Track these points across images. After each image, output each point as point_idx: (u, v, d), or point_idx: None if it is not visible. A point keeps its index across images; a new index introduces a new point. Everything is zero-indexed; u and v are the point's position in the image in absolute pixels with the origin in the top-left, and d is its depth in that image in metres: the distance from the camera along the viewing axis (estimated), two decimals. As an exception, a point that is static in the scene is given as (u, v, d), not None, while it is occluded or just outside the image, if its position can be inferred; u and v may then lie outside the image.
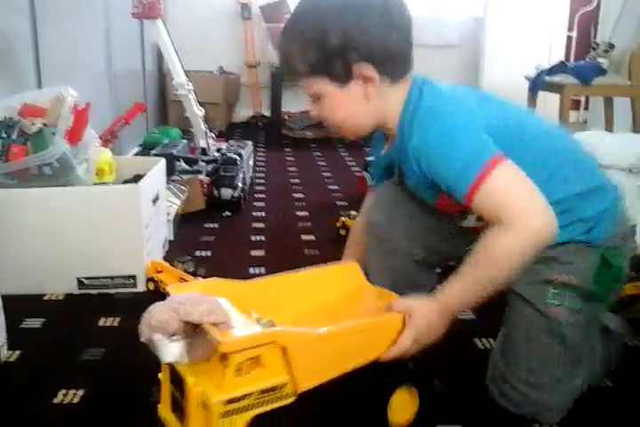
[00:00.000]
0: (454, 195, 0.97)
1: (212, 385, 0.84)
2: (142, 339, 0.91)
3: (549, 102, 4.22)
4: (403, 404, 1.03)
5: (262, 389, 0.86)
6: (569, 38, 4.39)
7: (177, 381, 0.90)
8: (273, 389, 0.87)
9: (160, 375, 0.98)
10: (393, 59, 1.00)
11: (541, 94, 3.65)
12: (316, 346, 0.90)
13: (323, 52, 0.97)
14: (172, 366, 0.91)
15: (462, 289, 0.96)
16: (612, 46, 3.34)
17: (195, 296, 0.92)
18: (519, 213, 0.92)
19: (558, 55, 4.30)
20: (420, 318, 0.95)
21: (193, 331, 0.89)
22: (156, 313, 0.89)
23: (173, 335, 0.88)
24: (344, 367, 0.94)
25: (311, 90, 1.03)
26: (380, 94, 1.02)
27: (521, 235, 0.92)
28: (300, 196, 2.62)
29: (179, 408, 0.90)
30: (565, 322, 1.03)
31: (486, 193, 0.93)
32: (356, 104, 1.02)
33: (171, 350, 0.88)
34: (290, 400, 0.90)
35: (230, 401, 0.83)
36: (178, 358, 0.88)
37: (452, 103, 1.02)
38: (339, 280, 1.12)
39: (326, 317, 1.05)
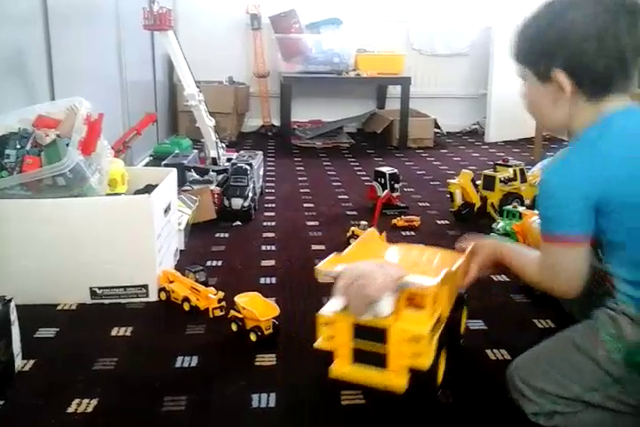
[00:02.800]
0: None
1: (408, 325, 1.09)
2: (352, 298, 1.09)
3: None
4: None
5: (436, 320, 1.13)
6: None
7: (367, 333, 1.11)
8: (438, 320, 1.14)
9: (319, 344, 1.18)
10: (594, 81, 1.04)
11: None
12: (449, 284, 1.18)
13: (537, 49, 1.07)
14: (356, 325, 1.12)
15: (515, 259, 1.21)
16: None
17: (376, 261, 1.17)
18: (557, 284, 1.10)
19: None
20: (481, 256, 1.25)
21: None
22: (373, 277, 1.08)
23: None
24: (452, 299, 1.26)
25: (520, 72, 1.13)
26: (571, 105, 1.07)
27: (548, 288, 1.13)
28: (310, 205, 2.62)
29: (368, 357, 1.12)
30: (595, 354, 1.04)
31: (546, 249, 1.09)
32: (544, 103, 1.10)
33: (390, 306, 1.08)
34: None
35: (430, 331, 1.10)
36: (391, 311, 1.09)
37: (595, 156, 1.03)
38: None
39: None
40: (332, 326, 1.15)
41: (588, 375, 1.04)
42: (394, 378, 1.11)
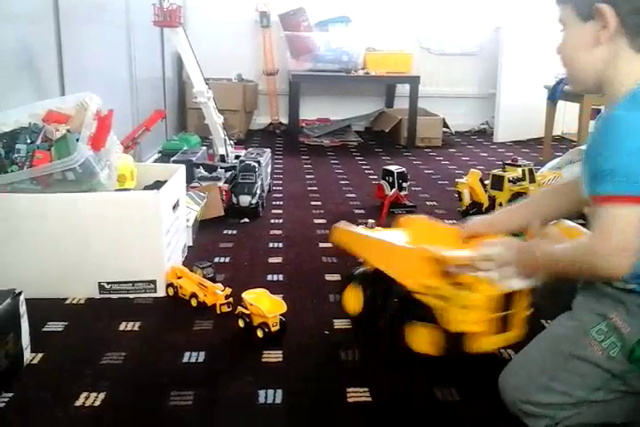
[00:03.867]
0: (585, 184, 1.00)
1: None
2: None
3: (569, 112, 4.20)
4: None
5: None
6: (588, 47, 4.37)
7: (506, 302, 1.20)
8: None
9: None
10: (638, 19, 0.96)
11: (561, 103, 3.64)
12: None
13: None
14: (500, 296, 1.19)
15: (543, 248, 1.07)
16: (632, 55, 3.33)
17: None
18: (609, 248, 0.94)
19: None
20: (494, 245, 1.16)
21: None
22: (499, 254, 1.14)
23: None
24: None
25: (561, 16, 1.05)
26: (614, 52, 0.99)
27: (594, 262, 0.96)
28: (318, 203, 2.62)
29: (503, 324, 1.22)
30: (591, 356, 1.02)
31: (604, 213, 0.94)
32: (583, 46, 1.02)
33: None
34: None
35: None
36: None
37: None
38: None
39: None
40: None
41: (589, 378, 1.02)
42: (518, 331, 1.25)
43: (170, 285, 1.62)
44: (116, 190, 1.69)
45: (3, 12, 1.75)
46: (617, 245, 0.93)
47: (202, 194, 2.20)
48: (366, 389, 1.19)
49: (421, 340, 1.27)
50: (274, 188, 2.83)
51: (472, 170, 2.47)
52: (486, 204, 2.39)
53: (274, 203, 2.60)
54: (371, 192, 2.67)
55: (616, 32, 0.97)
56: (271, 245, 2.07)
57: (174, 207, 1.76)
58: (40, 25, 2.00)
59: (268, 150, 2.72)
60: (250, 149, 2.72)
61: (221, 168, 2.52)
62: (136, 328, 1.44)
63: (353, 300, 1.45)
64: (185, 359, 1.30)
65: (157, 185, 1.76)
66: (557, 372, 1.04)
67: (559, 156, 2.90)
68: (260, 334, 1.38)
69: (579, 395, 1.02)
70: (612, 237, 0.93)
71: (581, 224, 1.64)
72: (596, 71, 1.02)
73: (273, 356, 1.32)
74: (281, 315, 1.40)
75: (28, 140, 1.57)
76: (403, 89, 4.49)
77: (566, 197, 1.27)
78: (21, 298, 1.23)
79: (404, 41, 4.52)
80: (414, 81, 4.06)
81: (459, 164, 3.57)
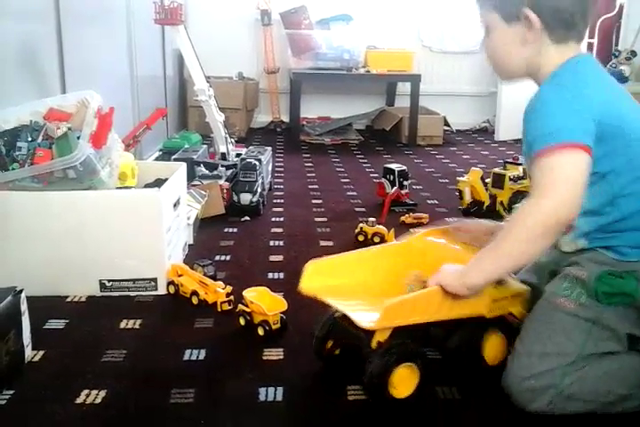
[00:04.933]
0: (525, 154, 1.15)
1: None
2: None
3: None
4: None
5: None
6: (590, 45, 4.36)
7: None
8: None
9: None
10: (559, 19, 1.11)
11: (561, 101, 3.63)
12: None
13: None
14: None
15: (483, 260, 1.09)
16: (633, 54, 3.32)
17: None
18: (554, 195, 1.00)
19: (579, 62, 4.27)
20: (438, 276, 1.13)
21: None
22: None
23: None
24: None
25: (484, 21, 1.19)
26: (539, 46, 1.13)
27: (546, 205, 1.01)
28: (319, 201, 2.62)
29: None
30: (568, 311, 1.12)
31: (544, 165, 1.03)
32: (512, 45, 1.15)
33: None
34: None
35: None
36: None
37: (581, 82, 1.10)
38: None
39: None
40: None
41: (574, 333, 1.11)
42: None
43: (171, 283, 1.62)
44: (117, 188, 1.70)
45: (4, 10, 1.75)
46: (564, 193, 1.00)
47: (203, 192, 2.20)
48: (367, 387, 1.19)
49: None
50: (275, 186, 2.83)
51: (473, 168, 2.46)
52: (487, 202, 2.40)
53: (275, 201, 2.60)
54: (372, 190, 2.67)
55: (540, 30, 1.11)
56: (272, 243, 2.07)
57: (175, 205, 1.76)
58: (41, 23, 2.00)
59: (269, 148, 2.72)
60: (251, 148, 2.72)
61: (222, 166, 2.52)
62: (137, 326, 1.44)
63: (405, 381, 1.15)
64: (186, 357, 1.30)
65: (158, 183, 1.76)
66: (546, 337, 1.12)
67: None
68: (260, 331, 1.38)
69: (571, 351, 1.10)
70: (557, 187, 1.01)
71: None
72: (527, 64, 1.16)
73: (274, 354, 1.32)
74: (282, 313, 1.40)
75: (30, 138, 1.57)
76: (404, 87, 4.48)
77: None
78: (22, 296, 1.24)
79: (405, 39, 4.51)
80: (415, 79, 4.06)
81: (460, 162, 3.57)
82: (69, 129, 1.59)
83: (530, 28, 1.11)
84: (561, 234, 1.09)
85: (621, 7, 4.33)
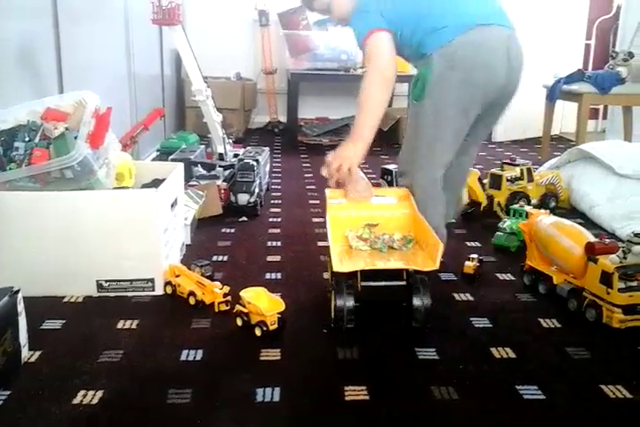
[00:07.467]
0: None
1: None
2: None
3: (568, 111, 4.21)
4: None
5: None
6: (587, 46, 4.38)
7: None
8: None
9: None
10: None
11: (559, 103, 3.64)
12: None
13: None
14: None
15: (357, 120, 1.69)
16: (631, 55, 3.32)
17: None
18: (374, 61, 1.69)
19: (576, 64, 4.28)
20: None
21: None
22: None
23: None
24: None
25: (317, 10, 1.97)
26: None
27: (371, 69, 1.71)
28: (316, 202, 2.62)
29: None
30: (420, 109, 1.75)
31: (366, 48, 1.69)
32: (344, 5, 1.80)
33: None
34: None
35: None
36: None
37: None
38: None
39: None
40: None
41: (421, 117, 1.77)
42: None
43: (168, 283, 1.62)
44: (115, 188, 1.69)
45: (1, 11, 1.74)
46: (378, 60, 1.68)
47: (200, 192, 2.20)
48: (364, 387, 1.20)
49: None
50: (272, 186, 2.83)
51: (470, 169, 2.46)
52: (484, 203, 2.40)
53: (272, 201, 2.60)
54: (369, 191, 2.67)
55: None
56: (269, 243, 2.07)
57: (172, 206, 1.76)
58: (39, 23, 2.00)
59: (267, 149, 2.72)
60: (248, 148, 2.72)
61: (220, 167, 2.51)
62: (134, 326, 1.44)
63: None
64: (183, 357, 1.30)
65: (156, 183, 1.75)
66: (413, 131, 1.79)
67: (557, 155, 2.90)
68: (258, 332, 1.38)
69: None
70: (378, 55, 1.68)
71: (579, 224, 1.64)
72: (347, 11, 1.77)
73: (271, 354, 1.32)
74: (279, 313, 1.40)
75: (27, 138, 1.57)
76: (401, 88, 4.48)
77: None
78: (19, 296, 1.23)
79: (402, 40, 4.51)
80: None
81: (457, 163, 3.56)
82: (67, 129, 1.59)
83: None
84: (393, 84, 1.71)
85: (619, 8, 4.34)
